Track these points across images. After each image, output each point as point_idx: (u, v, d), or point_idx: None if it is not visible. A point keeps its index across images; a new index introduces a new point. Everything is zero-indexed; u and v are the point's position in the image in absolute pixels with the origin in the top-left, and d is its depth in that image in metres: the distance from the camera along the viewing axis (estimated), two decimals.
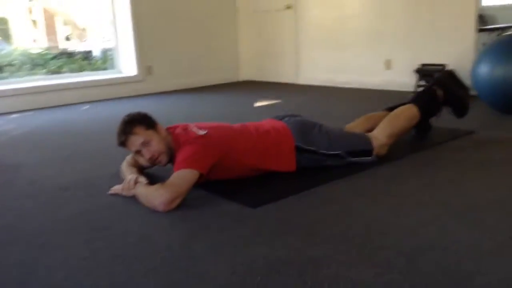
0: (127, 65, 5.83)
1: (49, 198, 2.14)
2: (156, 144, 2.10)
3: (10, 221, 1.89)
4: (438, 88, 2.67)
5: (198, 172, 1.97)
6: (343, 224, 1.70)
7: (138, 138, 2.09)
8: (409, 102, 2.64)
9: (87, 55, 6.94)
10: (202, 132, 2.11)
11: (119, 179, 2.23)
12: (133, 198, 2.01)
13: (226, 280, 1.35)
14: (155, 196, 1.90)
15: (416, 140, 2.86)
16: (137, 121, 2.12)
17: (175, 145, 2.12)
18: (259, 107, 4.49)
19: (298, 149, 2.29)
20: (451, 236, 1.57)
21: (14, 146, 3.26)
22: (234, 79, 6.72)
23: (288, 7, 5.98)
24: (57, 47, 10.82)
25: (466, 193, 1.97)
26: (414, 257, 1.43)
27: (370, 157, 2.41)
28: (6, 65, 6.44)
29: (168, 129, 2.22)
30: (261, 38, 6.49)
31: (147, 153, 2.11)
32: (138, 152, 2.14)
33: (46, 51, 7.27)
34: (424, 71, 4.38)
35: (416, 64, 4.58)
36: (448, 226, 1.65)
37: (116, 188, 2.12)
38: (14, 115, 4.54)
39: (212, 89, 5.93)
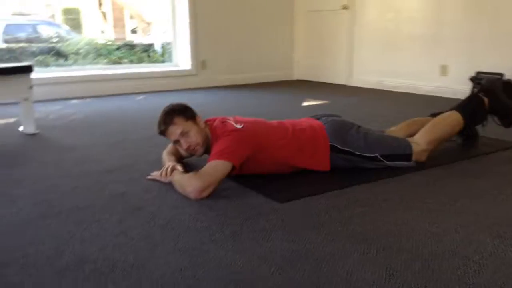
0: (182, 59, 6.01)
1: (93, 179, 2.29)
2: (193, 135, 2.18)
3: (54, 197, 2.04)
4: (485, 95, 2.59)
5: (231, 164, 2.03)
6: (367, 225, 1.71)
7: (177, 128, 2.18)
8: (453, 109, 2.58)
9: (148, 48, 7.21)
10: (238, 126, 2.18)
11: (160, 165, 2.33)
12: (170, 185, 2.11)
13: (241, 268, 1.41)
14: (188, 183, 1.98)
15: (461, 148, 2.79)
16: (177, 112, 2.21)
17: (212, 137, 2.20)
18: (306, 106, 4.51)
19: (333, 149, 2.30)
20: (475, 246, 1.54)
21: (71, 129, 3.47)
22: (288, 78, 6.76)
23: (344, 8, 5.94)
24: (124, 39, 11.30)
25: (502, 207, 1.91)
26: (432, 262, 1.43)
27: (408, 162, 2.38)
28: (72, 53, 6.82)
29: (207, 121, 2.30)
30: (316, 38, 6.49)
31: (184, 143, 2.20)
32: (176, 141, 2.23)
33: (111, 42, 7.60)
34: (479, 80, 4.23)
35: (474, 71, 4.43)
36: (474, 236, 1.62)
37: (155, 174, 2.24)
38: (74, 101, 4.82)
39: (264, 86, 5.99)
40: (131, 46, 7.42)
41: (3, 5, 9.48)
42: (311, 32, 6.55)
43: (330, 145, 2.30)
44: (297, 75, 6.81)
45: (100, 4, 12.42)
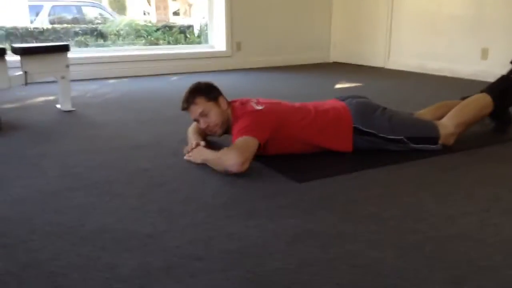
0: (218, 40, 6.04)
1: (121, 154, 2.37)
2: (213, 116, 2.23)
3: (82, 170, 2.12)
4: None
5: (257, 140, 2.06)
6: (384, 206, 1.70)
7: (198, 108, 2.23)
8: (483, 91, 2.50)
9: (187, 29, 7.29)
10: (259, 107, 2.20)
11: (186, 143, 2.39)
12: (192, 163, 2.17)
13: (252, 242, 1.44)
14: (226, 158, 2.01)
15: (492, 133, 2.71)
16: (200, 92, 2.25)
17: (233, 118, 2.23)
18: (339, 88, 4.46)
19: (357, 131, 2.29)
20: (490, 229, 1.51)
21: (105, 107, 3.58)
22: (324, 60, 6.68)
23: None
24: (166, 20, 11.45)
25: None
26: (444, 244, 1.41)
27: (435, 145, 2.34)
28: (113, 34, 6.98)
29: (231, 102, 2.33)
30: (354, 19, 6.37)
31: (203, 123, 2.25)
32: (196, 120, 2.28)
33: (151, 24, 7.70)
34: None
35: None
36: (491, 220, 1.59)
37: (188, 156, 2.27)
38: (111, 81, 4.95)
39: (299, 69, 5.96)
40: (170, 28, 7.53)
41: None
42: (349, 13, 6.43)
43: (354, 126, 2.29)
44: (334, 57, 6.72)
45: None
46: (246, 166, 1.99)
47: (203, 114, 2.24)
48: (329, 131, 2.27)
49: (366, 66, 6.16)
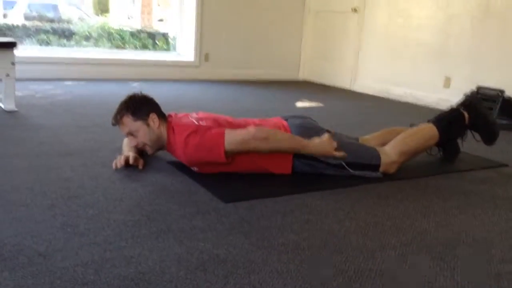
0: (186, 50, 5.95)
1: (47, 160, 2.24)
2: (141, 136, 2.15)
3: None
4: (465, 110, 2.46)
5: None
6: (304, 234, 1.62)
7: (124, 127, 2.16)
8: (431, 121, 2.46)
9: (162, 37, 7.17)
10: (201, 123, 2.11)
11: (120, 153, 2.27)
12: (118, 174, 2.05)
13: (150, 268, 1.33)
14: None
15: (437, 163, 2.66)
16: (127, 110, 2.14)
17: (168, 134, 2.13)
18: (299, 107, 4.40)
19: (296, 153, 2.21)
20: (408, 266, 1.44)
21: (50, 110, 3.43)
22: (293, 78, 6.64)
23: (354, 10, 5.80)
24: (151, 26, 11.35)
25: (455, 227, 1.79)
26: (354, 280, 1.33)
27: (375, 173, 2.28)
28: (84, 36, 6.81)
29: (168, 116, 2.23)
30: (324, 39, 6.36)
31: (132, 141, 2.18)
32: (127, 136, 2.20)
33: (124, 28, 7.55)
34: (480, 94, 4.07)
35: (476, 86, 4.26)
36: (409, 256, 1.51)
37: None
38: (68, 82, 4.79)
39: (266, 84, 5.89)
40: (148, 34, 7.40)
41: None
42: (319, 33, 6.42)
43: None
44: (303, 76, 6.69)
45: None
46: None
47: (130, 133, 2.15)
48: (266, 153, 2.18)
49: (333, 86, 6.14)
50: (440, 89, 4.89)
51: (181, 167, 2.21)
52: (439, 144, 2.56)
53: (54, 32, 6.61)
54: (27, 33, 6.47)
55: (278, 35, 6.39)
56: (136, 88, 4.77)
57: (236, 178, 2.14)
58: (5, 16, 7.84)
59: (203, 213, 1.73)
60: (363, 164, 2.27)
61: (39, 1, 9.84)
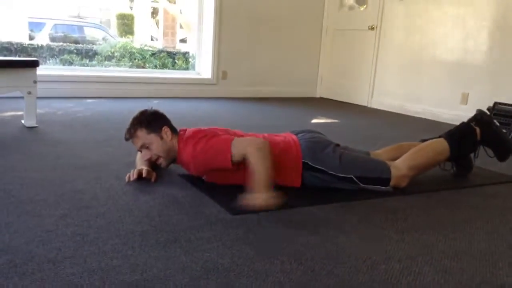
0: (205, 68, 6.05)
1: (62, 173, 2.30)
2: (155, 148, 2.19)
3: (15, 187, 2.05)
4: (476, 125, 2.45)
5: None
6: (310, 245, 1.62)
7: (138, 140, 2.20)
8: (442, 136, 2.45)
9: (183, 56, 7.34)
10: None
11: (134, 167, 2.33)
12: (128, 187, 2.11)
13: (154, 275, 1.36)
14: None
15: (450, 178, 2.64)
16: (140, 124, 2.20)
17: (179, 147, 2.19)
18: (314, 123, 4.42)
19: (306, 166, 2.23)
20: (412, 277, 1.43)
21: (69, 126, 3.53)
22: (311, 95, 6.67)
23: (371, 28, 5.83)
24: (174, 47, 11.60)
25: (459, 240, 1.78)
26: None
27: (385, 187, 2.28)
28: (108, 56, 7.01)
29: (180, 130, 2.28)
30: (341, 57, 6.39)
31: (146, 154, 2.22)
32: (140, 150, 2.24)
33: (146, 47, 7.74)
34: (496, 110, 4.03)
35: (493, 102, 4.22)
36: (416, 267, 1.51)
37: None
38: (89, 100, 4.92)
39: (283, 101, 5.93)
40: (168, 53, 7.57)
41: (60, 7, 9.92)
42: (336, 51, 6.46)
43: (303, 162, 2.23)
44: (320, 93, 6.72)
45: (153, 13, 12.87)
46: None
47: (145, 146, 2.20)
48: (277, 165, 2.19)
49: (350, 103, 6.15)
50: (457, 106, 4.85)
51: (192, 180, 2.25)
52: (452, 159, 2.55)
53: (78, 52, 6.83)
54: (52, 53, 6.69)
55: (295, 53, 6.45)
56: (154, 105, 4.86)
57: (245, 191, 2.16)
58: (31, 37, 8.13)
59: (210, 225, 1.76)
60: (373, 178, 2.27)
61: (63, 22, 10.18)
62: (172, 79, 5.91)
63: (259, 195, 1.91)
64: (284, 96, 6.35)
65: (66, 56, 6.30)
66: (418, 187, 2.38)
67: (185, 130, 2.28)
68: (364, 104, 6.01)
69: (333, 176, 2.24)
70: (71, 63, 6.20)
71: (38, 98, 3.45)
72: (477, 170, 2.72)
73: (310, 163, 2.22)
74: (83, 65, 6.24)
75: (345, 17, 6.35)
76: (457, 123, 4.50)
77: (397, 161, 2.36)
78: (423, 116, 5.18)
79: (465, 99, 4.79)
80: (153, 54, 7.39)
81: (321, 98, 6.60)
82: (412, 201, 2.21)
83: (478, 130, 2.44)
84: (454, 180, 2.63)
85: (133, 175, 2.21)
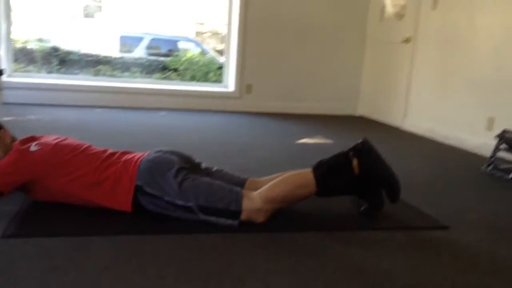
0: (229, 81, 5.94)
1: None
2: None
3: None
4: (354, 156, 1.99)
5: None
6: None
7: None
8: (313, 165, 2.04)
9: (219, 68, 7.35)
10: (33, 148, 2.03)
11: None
12: None
13: None
14: None
15: (353, 216, 2.18)
16: None
17: None
18: (301, 143, 4.06)
19: (139, 190, 2.00)
20: None
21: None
22: (350, 113, 6.19)
23: (406, 41, 5.24)
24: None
25: None
26: None
27: (232, 220, 1.96)
28: (173, 69, 7.28)
29: (21, 140, 2.18)
30: (379, 73, 5.84)
31: None
32: None
33: (210, 61, 7.84)
34: (506, 139, 3.31)
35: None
36: None
37: None
38: (98, 109, 5.07)
39: (314, 118, 5.56)
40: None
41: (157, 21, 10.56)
42: (375, 65, 5.93)
43: (136, 185, 2.00)
44: (360, 111, 6.19)
45: None
46: None
47: None
48: (105, 186, 2.01)
49: (384, 123, 5.58)
50: (483, 131, 4.11)
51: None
52: (325, 194, 2.08)
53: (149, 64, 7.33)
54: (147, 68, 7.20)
55: (329, 66, 6.03)
56: (162, 116, 4.88)
57: (65, 210, 2.01)
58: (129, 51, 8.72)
59: None
60: (219, 208, 1.96)
61: (159, 37, 10.78)
62: (195, 92, 5.86)
63: None
64: (316, 112, 5.97)
65: (99, 68, 6.61)
66: (277, 224, 2.00)
67: (23, 139, 2.17)
68: (398, 125, 5.40)
69: (171, 203, 1.98)
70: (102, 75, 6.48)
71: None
72: (402, 209, 2.22)
73: (143, 187, 1.99)
74: (111, 76, 6.49)
75: (383, 29, 5.80)
76: (482, 153, 3.81)
77: (256, 191, 2.02)
78: (450, 142, 4.48)
79: (491, 124, 4.04)
80: (219, 67, 7.45)
81: (359, 117, 6.07)
82: (258, 240, 1.85)
83: (355, 162, 1.99)
84: (358, 218, 2.16)
85: None
